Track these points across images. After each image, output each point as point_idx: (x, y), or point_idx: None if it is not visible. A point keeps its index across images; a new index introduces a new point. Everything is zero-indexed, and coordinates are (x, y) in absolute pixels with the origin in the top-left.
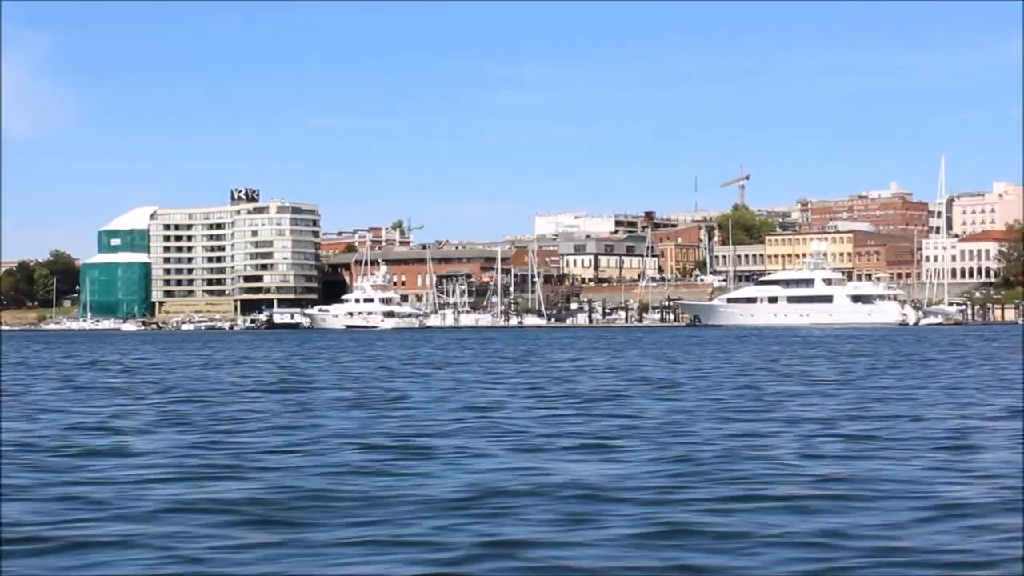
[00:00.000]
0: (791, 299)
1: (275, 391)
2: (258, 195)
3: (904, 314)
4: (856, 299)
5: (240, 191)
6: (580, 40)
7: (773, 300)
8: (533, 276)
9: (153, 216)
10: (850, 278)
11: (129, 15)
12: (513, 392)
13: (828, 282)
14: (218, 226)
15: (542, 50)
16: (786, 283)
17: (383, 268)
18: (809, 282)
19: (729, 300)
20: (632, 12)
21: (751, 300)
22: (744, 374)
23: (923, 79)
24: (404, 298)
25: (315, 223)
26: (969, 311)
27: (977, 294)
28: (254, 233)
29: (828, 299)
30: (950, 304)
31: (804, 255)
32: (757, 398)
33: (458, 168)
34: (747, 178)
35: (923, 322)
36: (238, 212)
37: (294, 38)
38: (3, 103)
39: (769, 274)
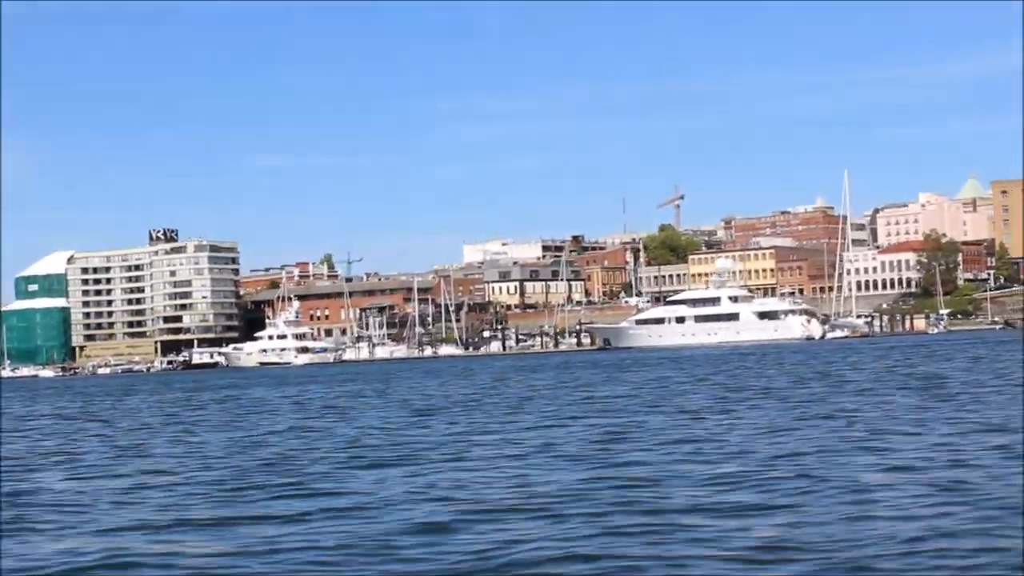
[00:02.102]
0: (699, 318)
1: None
2: (177, 235)
3: (809, 329)
4: (762, 315)
5: (159, 231)
6: (506, 71)
7: (681, 320)
8: (448, 305)
9: (71, 260)
10: (772, 294)
11: (41, 56)
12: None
13: (734, 299)
14: (137, 267)
15: (472, 82)
16: (693, 302)
17: (296, 303)
18: (716, 300)
19: (638, 322)
20: (554, 40)
21: (659, 321)
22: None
23: (855, 93)
24: (328, 332)
25: (234, 260)
26: (877, 323)
27: (900, 305)
28: (172, 273)
29: (735, 317)
30: (858, 316)
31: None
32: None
33: (392, 201)
34: (682, 198)
35: (829, 336)
36: (156, 252)
37: (220, 76)
38: None
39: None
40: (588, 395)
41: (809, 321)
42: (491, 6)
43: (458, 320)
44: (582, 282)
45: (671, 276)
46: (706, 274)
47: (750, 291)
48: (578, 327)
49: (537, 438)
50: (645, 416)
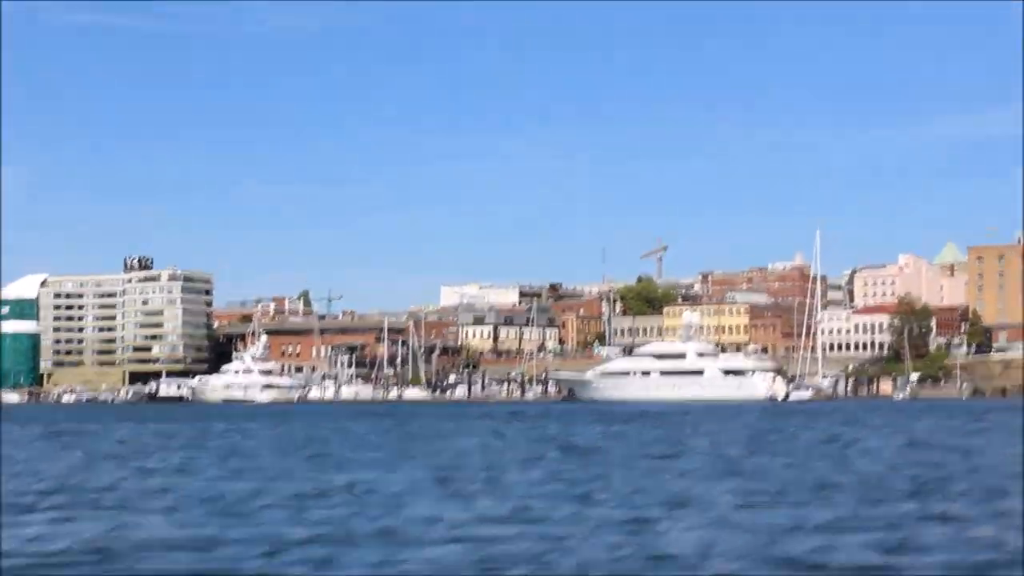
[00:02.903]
0: (664, 372)
1: None
2: (152, 263)
3: (773, 388)
4: (728, 372)
5: (133, 259)
6: (495, 113)
7: (646, 373)
8: (416, 348)
9: (44, 284)
10: (738, 350)
11: (18, 81)
12: None
13: (701, 355)
14: (109, 295)
15: (461, 123)
16: (659, 356)
17: (263, 338)
18: (682, 355)
19: (603, 373)
20: (540, 86)
21: (625, 373)
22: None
23: (840, 152)
24: (299, 369)
25: (208, 292)
26: (842, 385)
27: (868, 368)
28: (145, 302)
29: (700, 372)
30: (824, 377)
31: (702, 327)
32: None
33: (375, 240)
34: (664, 249)
35: (793, 396)
36: (129, 280)
37: (206, 104)
38: None
39: None
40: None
41: (774, 380)
42: (481, 47)
43: (428, 363)
44: (556, 330)
45: (645, 328)
46: (679, 327)
47: (722, 347)
48: (543, 376)
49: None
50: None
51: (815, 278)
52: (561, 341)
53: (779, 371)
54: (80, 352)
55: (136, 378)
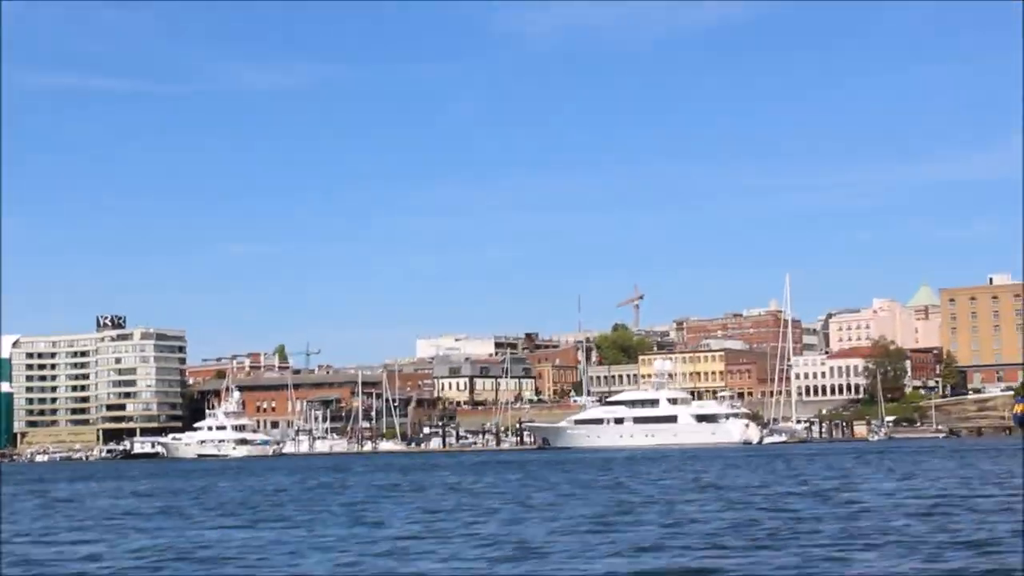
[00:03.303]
0: (637, 419)
1: None
2: (124, 322)
3: (747, 433)
4: (701, 418)
5: (106, 318)
6: (468, 165)
7: (620, 421)
8: (390, 401)
9: (16, 344)
10: (713, 396)
11: None
12: None
13: (673, 401)
14: (82, 354)
15: (435, 174)
16: (632, 403)
17: (237, 394)
18: (654, 402)
19: (577, 422)
20: (513, 138)
21: (598, 421)
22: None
23: (813, 197)
24: (275, 425)
25: (181, 349)
26: (816, 429)
27: (842, 411)
28: (118, 360)
29: (673, 419)
30: (799, 422)
31: (677, 374)
32: None
33: (352, 294)
34: (641, 298)
35: (767, 440)
36: (103, 339)
37: (180, 163)
38: None
39: None
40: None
41: (748, 425)
42: (457, 99)
43: (404, 415)
44: (532, 380)
45: (621, 376)
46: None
47: (697, 393)
48: (518, 426)
49: None
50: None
51: (787, 323)
52: (538, 391)
53: (753, 416)
54: (54, 412)
55: (110, 436)
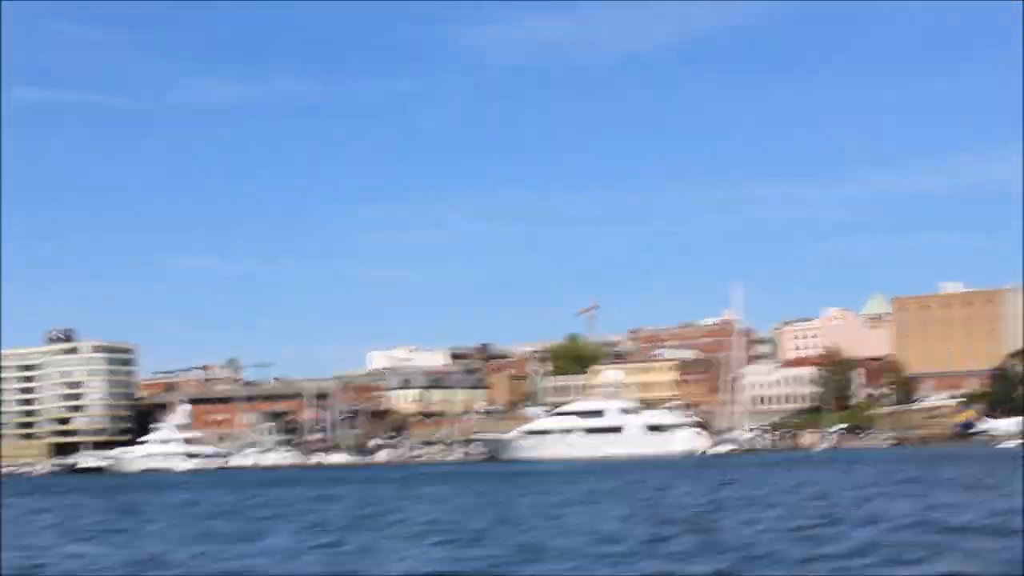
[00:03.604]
0: (586, 430)
1: None
2: (74, 335)
3: (692, 443)
4: (650, 428)
5: (57, 331)
6: (424, 179)
7: (568, 431)
8: (339, 413)
9: None
10: (664, 405)
11: None
12: None
13: (623, 411)
14: (30, 367)
15: (392, 189)
16: (582, 414)
17: (185, 407)
18: (603, 412)
19: (526, 432)
20: (478, 151)
21: (547, 432)
22: None
23: (770, 207)
24: (223, 438)
25: (130, 362)
26: (767, 438)
27: (792, 420)
28: (66, 374)
29: (620, 429)
30: (749, 431)
31: (630, 384)
32: None
33: (307, 306)
34: (596, 307)
35: (713, 451)
36: (51, 353)
37: (130, 177)
38: None
39: None
40: None
41: (698, 435)
42: (415, 113)
43: (353, 427)
44: (486, 391)
45: (573, 386)
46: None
47: (648, 403)
48: (468, 438)
49: None
50: None
51: (738, 331)
52: (492, 402)
53: (702, 426)
54: (0, 426)
55: (59, 450)
